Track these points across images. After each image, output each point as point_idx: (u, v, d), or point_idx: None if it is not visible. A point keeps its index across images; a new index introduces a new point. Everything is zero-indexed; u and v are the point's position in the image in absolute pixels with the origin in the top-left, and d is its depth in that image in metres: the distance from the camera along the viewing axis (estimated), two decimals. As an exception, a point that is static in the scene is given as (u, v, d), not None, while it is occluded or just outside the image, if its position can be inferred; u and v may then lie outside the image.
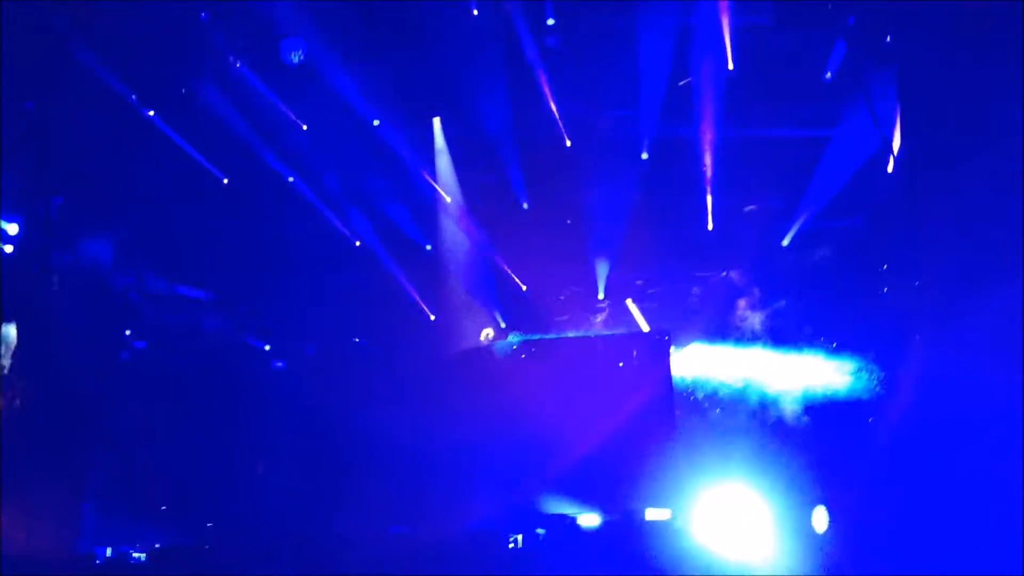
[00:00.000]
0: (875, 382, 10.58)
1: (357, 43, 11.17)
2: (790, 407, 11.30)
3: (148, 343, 12.84)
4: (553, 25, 10.63)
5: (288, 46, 10.33)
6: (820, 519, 9.03)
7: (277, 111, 11.64)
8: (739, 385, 12.06)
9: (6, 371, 11.46)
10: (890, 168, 10.44)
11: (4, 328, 11.41)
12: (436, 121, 13.30)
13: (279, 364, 13.73)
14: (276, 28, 10.54)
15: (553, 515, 10.97)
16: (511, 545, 10.54)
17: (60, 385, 11.66)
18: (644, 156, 12.34)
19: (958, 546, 6.95)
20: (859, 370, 10.90)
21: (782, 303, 11.69)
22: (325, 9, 10.58)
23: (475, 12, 10.74)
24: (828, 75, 10.68)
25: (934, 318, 7.78)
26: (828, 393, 11.16)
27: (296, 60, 10.33)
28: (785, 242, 12.27)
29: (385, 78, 11.73)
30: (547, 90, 11.71)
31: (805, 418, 11.43)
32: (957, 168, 7.61)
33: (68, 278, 11.71)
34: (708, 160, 11.90)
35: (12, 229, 10.65)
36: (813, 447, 10.77)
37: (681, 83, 11.54)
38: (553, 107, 11.78)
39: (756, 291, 12.44)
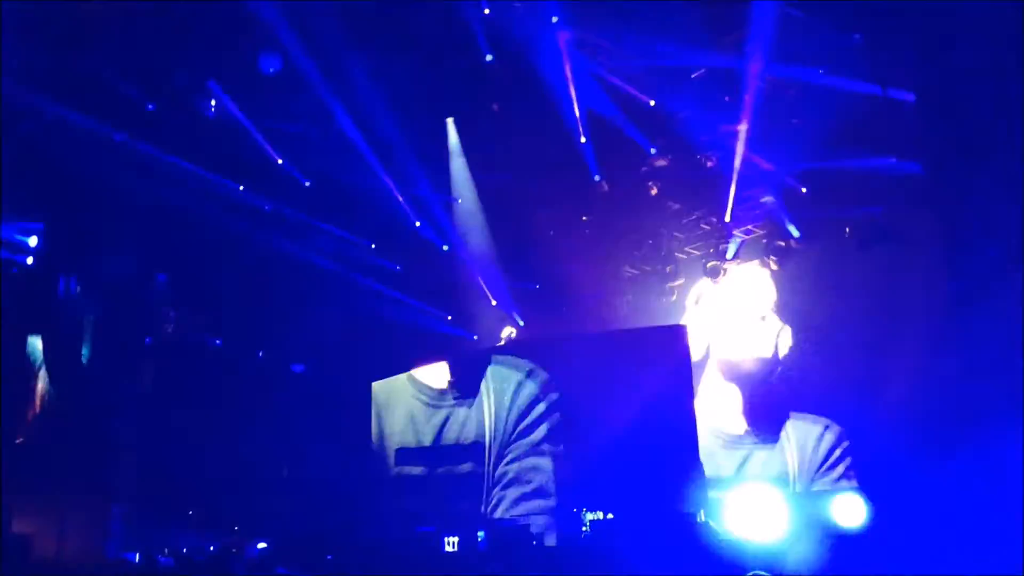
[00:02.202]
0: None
1: (371, 46, 11.16)
2: None
3: (170, 349, 12.97)
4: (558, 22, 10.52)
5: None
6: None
7: (288, 120, 11.68)
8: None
9: (37, 385, 11.64)
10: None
11: (30, 341, 11.59)
12: (450, 121, 13.28)
13: (299, 368, 13.81)
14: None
15: (577, 511, 10.98)
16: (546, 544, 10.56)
17: (86, 394, 11.82)
18: (652, 152, 12.27)
19: None
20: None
21: None
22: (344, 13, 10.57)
23: (486, 11, 10.71)
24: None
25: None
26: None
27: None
28: (795, 233, 12.16)
29: (400, 79, 11.71)
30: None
31: None
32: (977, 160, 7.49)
33: (89, 287, 11.84)
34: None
35: (32, 241, 10.75)
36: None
37: (694, 75, 11.45)
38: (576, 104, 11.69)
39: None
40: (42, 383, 11.84)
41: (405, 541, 10.68)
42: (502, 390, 12.42)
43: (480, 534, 10.23)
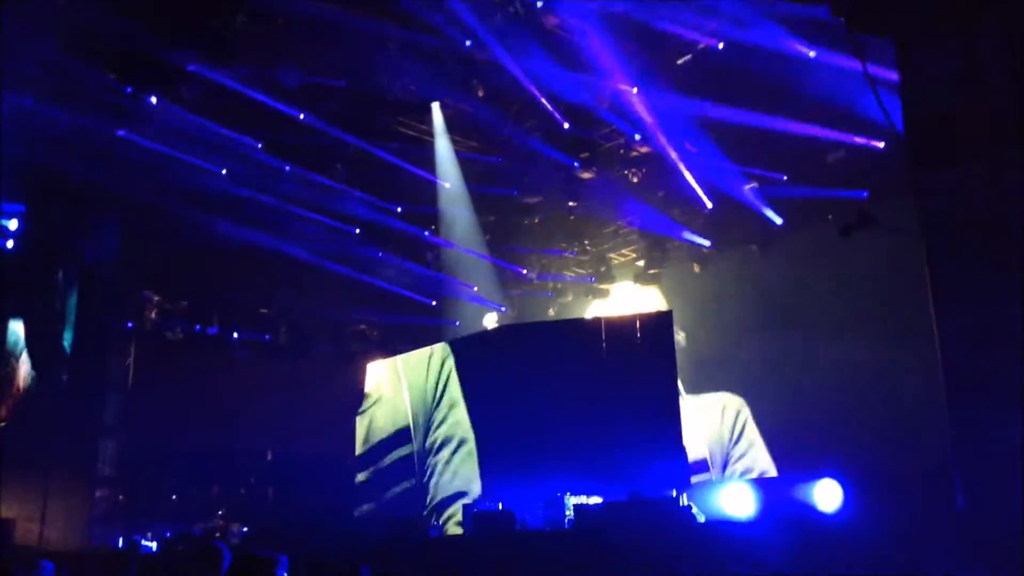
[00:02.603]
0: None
1: (353, 30, 11.08)
2: None
3: (153, 334, 12.93)
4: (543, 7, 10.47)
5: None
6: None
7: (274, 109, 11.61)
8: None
9: (19, 369, 11.58)
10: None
11: (11, 325, 11.51)
12: (435, 105, 13.17)
13: (285, 353, 13.79)
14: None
15: (561, 495, 11.01)
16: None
17: (68, 379, 11.77)
18: (637, 137, 12.28)
19: None
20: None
21: None
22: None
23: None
24: None
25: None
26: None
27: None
28: (778, 220, 12.21)
29: (385, 63, 11.63)
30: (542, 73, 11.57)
31: None
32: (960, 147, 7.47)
33: (71, 271, 11.78)
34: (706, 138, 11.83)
35: (12, 225, 10.66)
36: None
37: (680, 61, 11.43)
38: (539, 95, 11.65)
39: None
40: (24, 367, 11.77)
41: (390, 524, 10.72)
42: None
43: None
